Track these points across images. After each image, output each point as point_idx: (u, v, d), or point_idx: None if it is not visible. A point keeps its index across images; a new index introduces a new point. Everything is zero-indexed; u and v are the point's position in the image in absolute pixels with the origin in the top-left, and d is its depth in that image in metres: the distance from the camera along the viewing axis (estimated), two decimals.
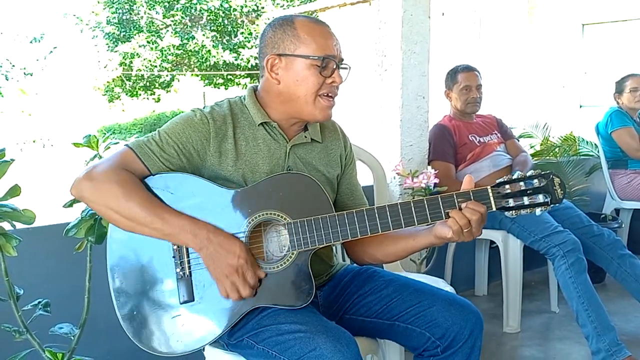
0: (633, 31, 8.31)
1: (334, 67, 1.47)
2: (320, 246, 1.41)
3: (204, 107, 1.52)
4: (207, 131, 1.45)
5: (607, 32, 8.67)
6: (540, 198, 1.39)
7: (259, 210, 1.40)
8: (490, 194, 1.40)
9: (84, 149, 1.74)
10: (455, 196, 1.39)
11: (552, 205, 1.40)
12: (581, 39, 8.89)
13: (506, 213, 1.41)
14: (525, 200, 1.39)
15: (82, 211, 1.68)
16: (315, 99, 1.47)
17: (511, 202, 1.39)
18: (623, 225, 3.66)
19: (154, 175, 1.41)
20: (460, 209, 1.39)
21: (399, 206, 1.41)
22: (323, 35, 1.46)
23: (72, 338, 1.69)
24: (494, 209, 1.40)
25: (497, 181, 1.41)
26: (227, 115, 1.50)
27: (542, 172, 1.40)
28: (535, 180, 1.39)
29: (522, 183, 1.39)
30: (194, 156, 1.45)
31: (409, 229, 1.47)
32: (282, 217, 1.41)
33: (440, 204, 1.40)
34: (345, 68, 1.50)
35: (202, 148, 1.45)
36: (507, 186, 1.40)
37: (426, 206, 1.40)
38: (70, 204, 1.67)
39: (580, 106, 8.88)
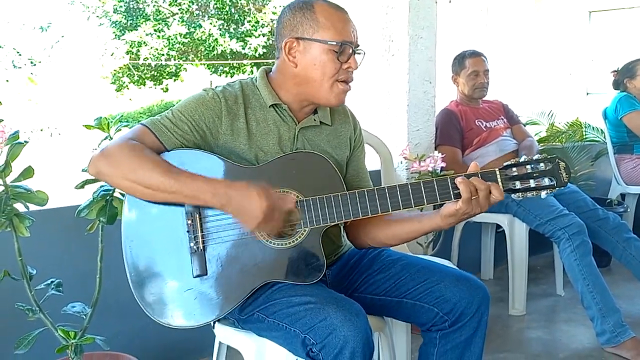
0: (639, 19, 8.24)
1: (351, 52, 1.49)
2: (332, 224, 1.44)
3: (216, 87, 1.54)
4: (219, 109, 1.48)
5: (613, 19, 8.60)
6: (546, 181, 1.42)
7: (273, 188, 1.42)
8: (498, 176, 1.42)
9: (94, 135, 1.77)
10: (464, 176, 1.42)
11: (557, 189, 1.42)
12: (588, 26, 8.83)
13: (513, 195, 1.44)
14: (532, 183, 1.42)
15: (94, 192, 1.71)
16: (332, 84, 1.49)
17: (518, 185, 1.42)
18: (629, 210, 3.67)
19: (169, 151, 1.44)
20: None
21: (409, 186, 1.44)
22: (341, 20, 1.48)
23: (84, 317, 1.73)
24: (502, 189, 1.42)
25: (505, 164, 1.44)
26: (238, 95, 1.52)
27: (548, 156, 1.43)
28: (542, 164, 1.42)
29: (528, 166, 1.42)
30: (206, 133, 1.47)
31: (415, 213, 1.49)
32: (295, 194, 1.44)
33: (449, 184, 1.42)
34: (360, 53, 1.52)
35: (214, 126, 1.47)
36: (515, 169, 1.42)
37: (435, 186, 1.42)
38: (82, 185, 1.70)
39: (587, 93, 8.83)
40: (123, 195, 1.52)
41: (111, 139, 1.72)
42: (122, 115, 2.01)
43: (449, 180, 1.42)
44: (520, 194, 1.43)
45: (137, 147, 1.39)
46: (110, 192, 1.69)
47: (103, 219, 1.68)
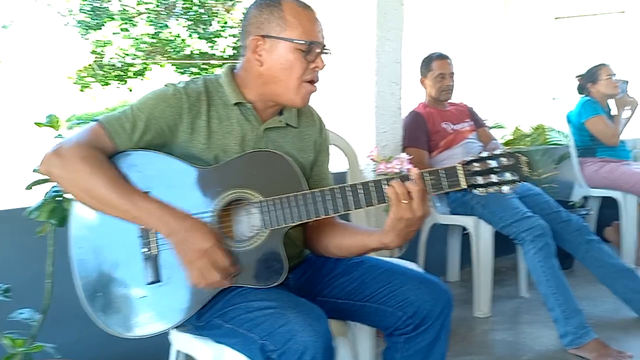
0: (602, 25, 8.43)
1: (318, 52, 1.45)
2: (293, 224, 1.40)
3: (178, 83, 1.49)
4: (180, 106, 1.42)
5: (578, 25, 8.78)
6: (508, 176, 1.41)
7: (230, 189, 1.38)
8: (461, 171, 1.40)
9: (47, 134, 1.69)
10: (427, 173, 1.39)
11: (519, 183, 1.42)
12: (553, 32, 8.99)
13: (475, 191, 1.42)
14: (494, 178, 1.41)
15: (45, 193, 1.63)
16: (299, 84, 1.45)
17: (480, 180, 1.41)
18: (591, 212, 3.72)
19: (122, 152, 1.38)
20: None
21: (371, 183, 1.40)
22: (309, 19, 1.45)
23: (34, 324, 1.64)
24: (464, 185, 1.41)
25: (466, 159, 1.42)
26: (201, 92, 1.47)
27: (509, 151, 1.43)
28: (503, 159, 1.41)
29: (490, 161, 1.41)
30: (165, 132, 1.41)
31: (368, 228, 1.48)
32: (253, 195, 1.39)
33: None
34: (327, 53, 1.49)
35: (175, 124, 1.42)
36: (476, 164, 1.41)
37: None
38: (31, 186, 1.62)
39: (553, 98, 8.99)
40: None
41: (63, 138, 1.64)
42: (74, 114, 1.92)
43: (408, 177, 1.38)
44: (483, 189, 1.42)
45: (92, 153, 1.33)
46: (62, 193, 1.61)
47: (54, 221, 1.60)
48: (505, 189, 1.42)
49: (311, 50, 1.44)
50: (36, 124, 1.70)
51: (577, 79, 3.72)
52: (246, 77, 1.49)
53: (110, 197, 1.31)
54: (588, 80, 3.65)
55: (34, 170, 1.61)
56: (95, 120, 1.40)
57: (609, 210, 3.77)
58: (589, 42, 8.46)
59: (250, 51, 1.45)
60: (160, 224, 1.32)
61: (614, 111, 3.68)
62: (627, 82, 3.61)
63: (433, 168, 1.41)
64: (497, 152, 1.42)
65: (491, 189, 1.42)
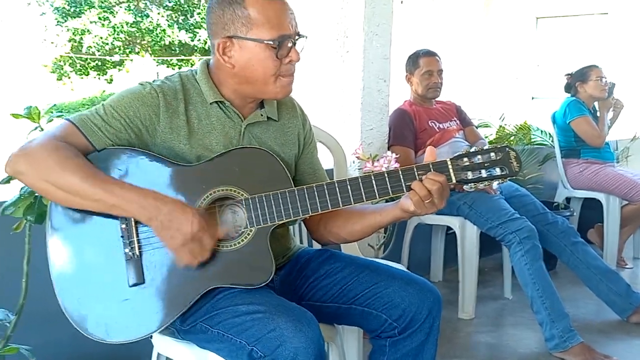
0: (584, 26, 8.50)
1: (290, 45, 1.38)
2: (280, 222, 1.36)
3: (153, 81, 1.42)
4: (157, 105, 1.36)
5: (559, 26, 8.84)
6: (498, 171, 1.39)
7: (215, 187, 1.33)
8: (450, 166, 1.38)
9: (25, 125, 1.61)
10: (415, 169, 1.38)
11: (508, 178, 1.40)
12: (535, 32, 9.05)
13: (465, 187, 1.41)
14: (483, 173, 1.39)
15: (21, 188, 1.56)
16: (275, 79, 1.39)
17: (470, 175, 1.39)
18: (575, 214, 3.73)
19: (99, 151, 1.31)
20: (421, 180, 1.36)
21: (360, 179, 1.37)
22: (276, 11, 1.36)
23: (8, 325, 1.57)
24: (454, 180, 1.39)
25: (456, 154, 1.40)
26: (178, 90, 1.40)
27: (498, 146, 1.41)
28: (492, 154, 1.40)
29: (479, 156, 1.39)
30: (142, 132, 1.35)
31: (375, 205, 1.43)
32: (239, 192, 1.34)
33: (401, 176, 1.37)
34: (302, 37, 1.41)
35: (151, 123, 1.36)
36: (466, 159, 1.39)
37: (387, 179, 1.37)
38: (7, 180, 1.54)
39: (532, 98, 9.05)
40: None
41: (42, 129, 1.57)
42: (55, 105, 1.84)
43: (400, 172, 1.37)
44: (472, 184, 1.40)
45: (60, 146, 1.25)
46: None
47: (31, 218, 1.53)
48: (495, 184, 1.41)
49: (282, 46, 1.36)
50: (13, 115, 1.62)
51: (565, 77, 3.72)
52: (220, 75, 1.43)
53: (83, 186, 1.23)
54: (577, 79, 3.65)
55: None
56: (66, 120, 1.33)
57: (591, 211, 3.79)
58: (571, 43, 8.53)
59: (219, 54, 1.39)
60: (138, 210, 1.25)
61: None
62: (615, 84, 3.62)
63: (422, 163, 1.38)
64: (486, 147, 1.42)
65: (481, 185, 1.41)
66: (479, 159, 1.39)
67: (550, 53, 8.90)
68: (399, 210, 1.41)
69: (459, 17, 9.20)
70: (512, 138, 3.93)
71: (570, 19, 8.71)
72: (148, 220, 1.25)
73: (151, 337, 1.46)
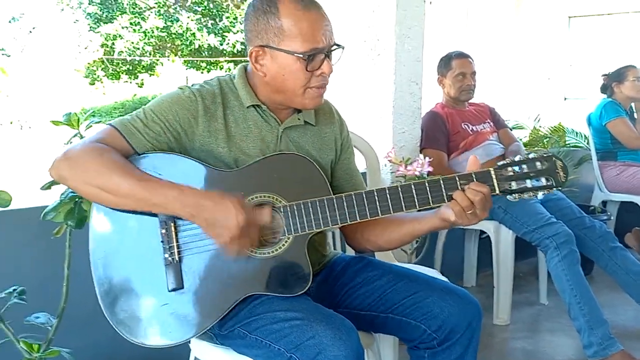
0: (618, 25, 8.32)
1: (322, 58, 1.37)
2: (318, 230, 1.35)
3: (192, 85, 1.43)
4: (195, 109, 1.37)
5: (592, 25, 8.67)
6: (543, 181, 1.36)
7: (253, 193, 1.33)
8: (494, 176, 1.35)
9: (64, 130, 1.64)
10: (457, 178, 1.35)
11: (555, 189, 1.36)
12: (567, 31, 8.88)
13: (508, 197, 1.37)
14: (528, 183, 1.35)
15: (62, 194, 1.59)
16: (305, 91, 1.38)
17: (514, 185, 1.36)
18: (612, 218, 3.65)
19: (140, 154, 1.33)
20: (463, 190, 1.33)
21: (400, 188, 1.35)
22: (310, 23, 1.34)
23: (49, 328, 1.60)
24: (497, 191, 1.36)
25: (499, 163, 1.37)
26: (216, 94, 1.41)
27: (545, 155, 1.37)
28: (538, 163, 1.36)
29: (524, 166, 1.36)
30: (181, 135, 1.36)
31: (413, 214, 1.42)
32: (277, 199, 1.34)
33: (442, 186, 1.34)
34: (337, 48, 1.40)
35: (190, 127, 1.37)
36: (510, 168, 1.36)
37: (427, 188, 1.35)
38: (48, 186, 1.58)
39: (565, 98, 8.89)
40: None
41: (82, 136, 1.60)
42: (94, 111, 1.88)
43: (441, 181, 1.34)
44: (516, 195, 1.36)
45: (103, 150, 1.27)
46: None
47: (71, 223, 1.56)
48: (540, 194, 1.37)
49: (314, 58, 1.35)
50: (53, 122, 1.65)
51: (602, 77, 3.64)
52: (255, 81, 1.44)
53: (125, 186, 1.24)
54: (614, 79, 3.57)
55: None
56: (108, 124, 1.35)
57: (628, 215, 3.70)
58: (605, 42, 8.35)
59: (252, 61, 1.39)
60: (180, 209, 1.25)
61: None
62: None
63: (465, 172, 1.35)
64: (532, 155, 1.37)
65: (525, 195, 1.37)
66: (524, 168, 1.35)
67: (583, 53, 8.73)
68: (439, 219, 1.38)
69: (489, 17, 9.09)
70: (546, 140, 3.86)
71: (604, 17, 8.53)
72: (191, 217, 1.26)
73: (189, 341, 1.48)
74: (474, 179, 1.34)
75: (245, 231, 1.25)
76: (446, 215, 1.36)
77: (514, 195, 1.36)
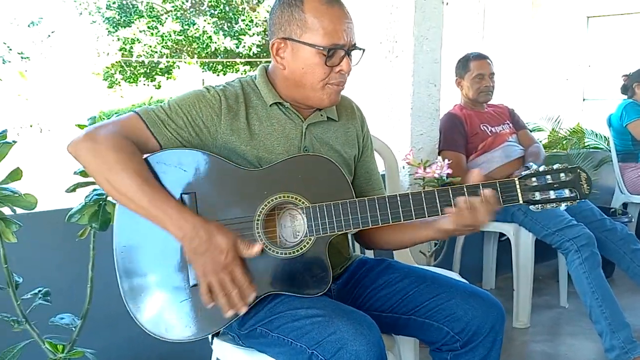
0: (637, 24, 8.22)
1: (342, 55, 1.38)
2: (339, 232, 1.36)
3: (216, 85, 1.45)
4: (219, 107, 1.39)
5: (611, 25, 8.57)
6: (567, 193, 1.35)
7: (277, 192, 1.34)
8: (518, 186, 1.35)
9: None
10: (465, 188, 1.35)
11: (578, 201, 1.36)
12: (586, 31, 8.80)
13: (531, 207, 1.36)
14: (552, 194, 1.35)
15: (86, 196, 1.61)
16: (323, 86, 1.40)
17: (538, 196, 1.36)
18: (633, 220, 3.61)
19: (161, 145, 1.35)
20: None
21: (422, 194, 1.36)
22: (333, 19, 1.36)
23: (74, 329, 1.62)
24: (521, 201, 1.36)
25: (524, 173, 1.37)
26: (239, 94, 1.43)
27: (569, 166, 1.37)
28: (562, 174, 1.36)
29: (549, 176, 1.35)
30: (204, 132, 1.38)
31: (427, 218, 1.42)
32: (300, 200, 1.35)
33: (450, 195, 1.35)
34: (357, 50, 1.41)
35: (213, 125, 1.38)
36: (534, 179, 1.36)
37: (451, 196, 1.35)
38: (73, 189, 1.60)
39: (584, 99, 8.80)
40: None
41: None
42: (116, 113, 1.90)
43: (449, 191, 1.35)
44: (539, 205, 1.36)
45: (125, 145, 1.29)
46: (104, 196, 1.59)
47: (95, 225, 1.58)
48: (563, 205, 1.37)
49: (334, 55, 1.37)
50: (78, 125, 1.68)
51: (622, 78, 3.61)
52: (275, 78, 1.46)
53: (130, 190, 1.26)
54: (635, 80, 3.54)
55: (75, 173, 1.59)
56: (133, 112, 1.37)
57: None
58: (623, 42, 8.26)
59: (273, 53, 1.41)
60: (175, 228, 1.26)
61: None
62: None
63: (491, 180, 1.35)
64: (556, 166, 1.37)
65: (548, 206, 1.37)
66: (548, 179, 1.35)
67: (602, 53, 8.64)
68: (437, 230, 1.41)
69: (506, 17, 9.03)
70: (565, 142, 3.83)
71: (623, 17, 8.43)
72: (182, 239, 1.27)
73: (211, 340, 1.49)
74: (498, 189, 1.35)
75: (228, 271, 1.27)
76: (444, 226, 1.38)
77: (536, 206, 1.36)
